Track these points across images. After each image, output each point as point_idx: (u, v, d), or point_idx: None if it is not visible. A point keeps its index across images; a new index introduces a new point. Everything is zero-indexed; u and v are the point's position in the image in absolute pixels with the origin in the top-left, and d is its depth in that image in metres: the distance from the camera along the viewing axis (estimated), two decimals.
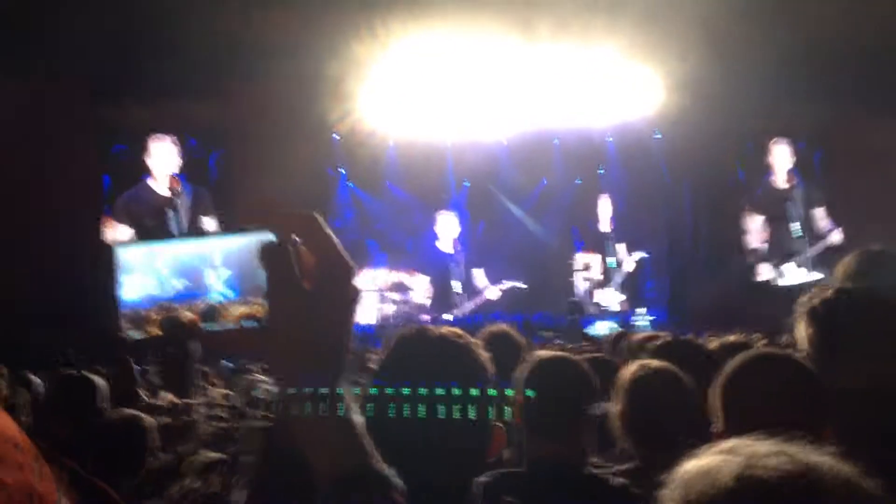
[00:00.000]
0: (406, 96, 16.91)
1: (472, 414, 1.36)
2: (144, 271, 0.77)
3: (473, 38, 15.81)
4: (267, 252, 0.72)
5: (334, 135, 17.26)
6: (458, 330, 1.56)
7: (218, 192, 16.20)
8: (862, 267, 2.29)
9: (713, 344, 4.35)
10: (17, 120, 13.47)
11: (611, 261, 19.06)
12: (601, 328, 16.80)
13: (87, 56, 13.38)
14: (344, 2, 14.15)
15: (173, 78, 14.49)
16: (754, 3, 13.40)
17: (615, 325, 16.43)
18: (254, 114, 15.82)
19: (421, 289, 19.90)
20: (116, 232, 14.82)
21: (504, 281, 19.50)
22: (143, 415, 2.90)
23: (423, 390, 1.32)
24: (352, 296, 0.74)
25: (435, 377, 1.35)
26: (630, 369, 3.10)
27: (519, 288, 19.31)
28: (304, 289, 0.71)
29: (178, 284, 0.74)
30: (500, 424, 1.50)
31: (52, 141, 14.03)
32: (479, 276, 20.66)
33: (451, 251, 19.86)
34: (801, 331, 2.05)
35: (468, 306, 20.25)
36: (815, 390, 1.84)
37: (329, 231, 0.74)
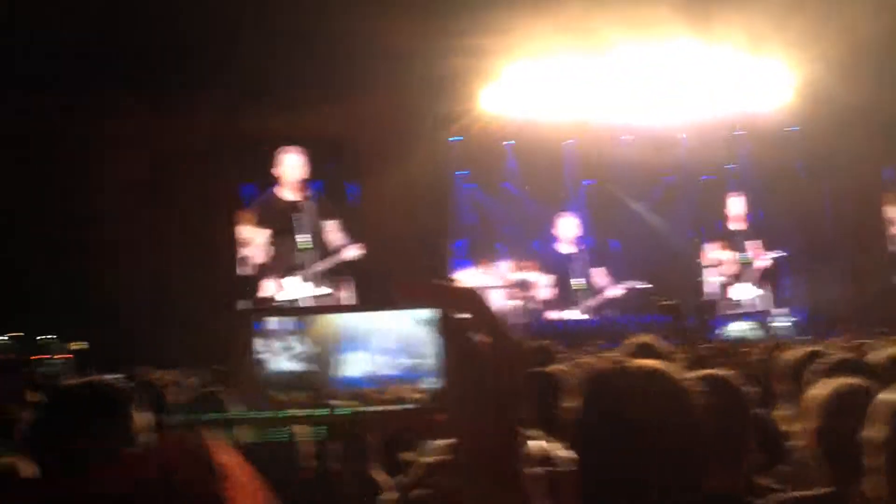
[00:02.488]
0: (525, 93, 16.62)
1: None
2: (365, 342, 0.73)
3: (596, 32, 15.36)
4: (447, 326, 0.67)
5: (454, 138, 17.19)
6: (657, 363, 1.40)
7: (337, 198, 16.63)
8: None
9: (880, 355, 4.03)
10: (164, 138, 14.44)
11: (744, 258, 18.34)
12: (737, 329, 16.14)
13: (225, 66, 13.88)
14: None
15: (298, 87, 14.89)
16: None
17: (754, 327, 15.72)
18: (373, 120, 15.90)
19: (543, 286, 19.70)
20: (253, 234, 15.64)
21: (627, 281, 19.10)
22: None
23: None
24: (523, 373, 0.71)
25: (647, 423, 1.26)
26: (829, 387, 2.98)
27: (640, 288, 18.88)
28: (485, 365, 0.67)
29: (407, 361, 0.75)
30: None
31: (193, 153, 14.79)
32: (599, 275, 20.34)
33: (572, 251, 19.62)
34: None
35: (589, 304, 19.92)
36: None
37: (492, 307, 0.70)
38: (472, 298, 0.69)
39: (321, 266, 15.87)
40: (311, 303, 15.63)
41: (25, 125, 14.14)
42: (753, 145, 17.08)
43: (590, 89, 16.33)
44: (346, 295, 16.66)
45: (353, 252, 15.90)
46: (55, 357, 17.44)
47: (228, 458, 0.82)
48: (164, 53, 13.86)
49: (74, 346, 18.86)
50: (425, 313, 0.67)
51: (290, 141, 15.01)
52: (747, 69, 15.66)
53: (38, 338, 20.64)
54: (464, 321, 0.67)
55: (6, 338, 22.03)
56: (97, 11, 12.73)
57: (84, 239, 14.60)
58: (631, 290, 18.88)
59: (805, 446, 2.82)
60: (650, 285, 18.42)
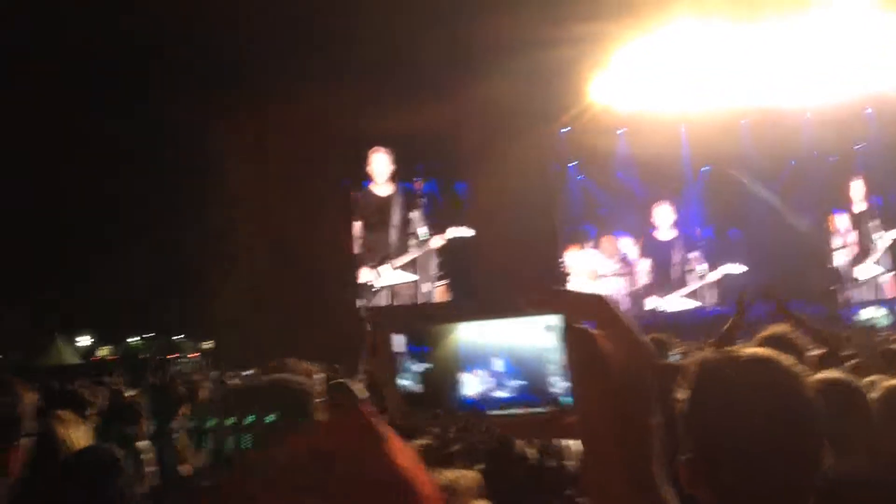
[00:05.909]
0: (637, 80, 16.11)
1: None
2: (483, 362, 0.67)
3: (710, 10, 14.72)
4: (573, 335, 0.65)
5: (562, 129, 17.01)
6: (770, 352, 1.34)
7: (447, 197, 17.05)
8: None
9: None
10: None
11: (870, 239, 17.44)
12: (868, 315, 15.28)
13: (337, 68, 14.27)
14: None
15: (405, 85, 15.10)
16: None
17: (885, 314, 14.86)
18: (480, 116, 15.95)
19: (646, 272, 19.21)
20: (352, 227, 16.34)
21: (726, 264, 18.28)
22: None
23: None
24: (655, 386, 0.67)
25: (761, 413, 1.22)
26: None
27: (734, 274, 17.99)
28: (611, 377, 0.64)
29: (515, 384, 0.65)
30: None
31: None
32: (697, 260, 19.46)
33: (670, 237, 18.99)
34: None
35: (693, 287, 19.18)
36: None
37: (621, 313, 0.66)
38: (603, 306, 0.66)
39: (409, 255, 16.46)
40: (406, 290, 16.28)
41: (150, 138, 14.89)
42: (881, 124, 16.12)
43: (702, 70, 15.67)
44: (437, 287, 17.03)
45: (437, 242, 16.35)
46: (188, 356, 18.17)
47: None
48: (279, 58, 14.30)
49: (205, 345, 19.62)
50: (550, 321, 0.65)
51: (400, 141, 15.44)
52: (873, 44, 14.75)
53: (174, 338, 21.64)
54: (586, 328, 0.65)
55: (138, 339, 23.19)
56: (204, 18, 13.16)
57: (206, 244, 15.24)
58: (755, 279, 18.23)
59: None
60: (746, 268, 17.66)
